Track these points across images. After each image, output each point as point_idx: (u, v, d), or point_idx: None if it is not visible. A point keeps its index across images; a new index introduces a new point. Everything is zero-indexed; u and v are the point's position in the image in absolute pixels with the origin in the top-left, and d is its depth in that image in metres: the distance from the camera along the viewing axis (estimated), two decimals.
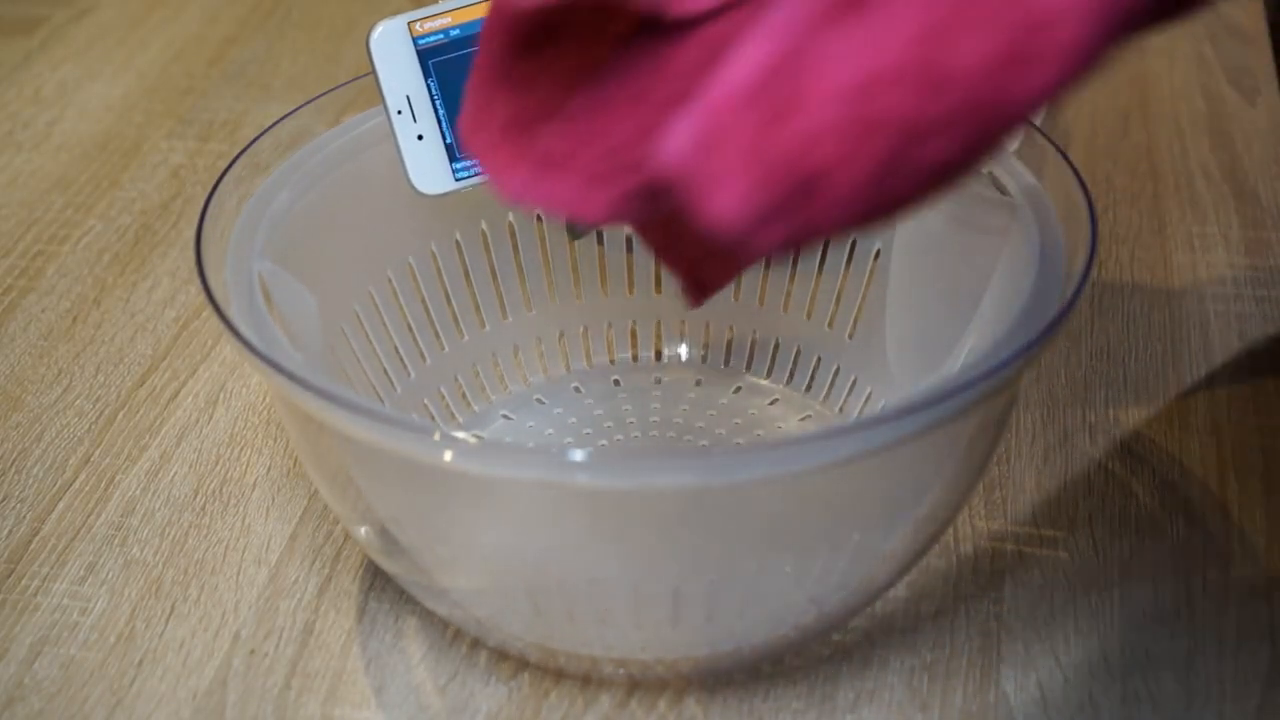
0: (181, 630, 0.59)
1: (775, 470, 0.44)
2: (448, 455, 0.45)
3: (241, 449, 0.68)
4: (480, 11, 0.61)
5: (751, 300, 0.70)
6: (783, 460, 0.44)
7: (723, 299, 0.70)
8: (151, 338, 0.75)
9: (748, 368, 0.71)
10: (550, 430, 0.68)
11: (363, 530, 0.55)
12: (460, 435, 0.45)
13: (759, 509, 0.48)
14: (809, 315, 0.69)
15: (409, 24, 0.60)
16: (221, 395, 0.71)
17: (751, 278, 0.70)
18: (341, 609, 0.60)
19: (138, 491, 0.66)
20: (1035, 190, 0.57)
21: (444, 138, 0.61)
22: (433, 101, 0.61)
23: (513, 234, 0.69)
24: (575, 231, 0.69)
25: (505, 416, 0.69)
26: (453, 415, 0.68)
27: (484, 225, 0.68)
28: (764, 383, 0.70)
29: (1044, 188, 0.57)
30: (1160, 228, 0.82)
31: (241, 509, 0.65)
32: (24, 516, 0.65)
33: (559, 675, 0.57)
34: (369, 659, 0.58)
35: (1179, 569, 0.61)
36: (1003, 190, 0.57)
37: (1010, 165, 0.58)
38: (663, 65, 0.41)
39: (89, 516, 0.65)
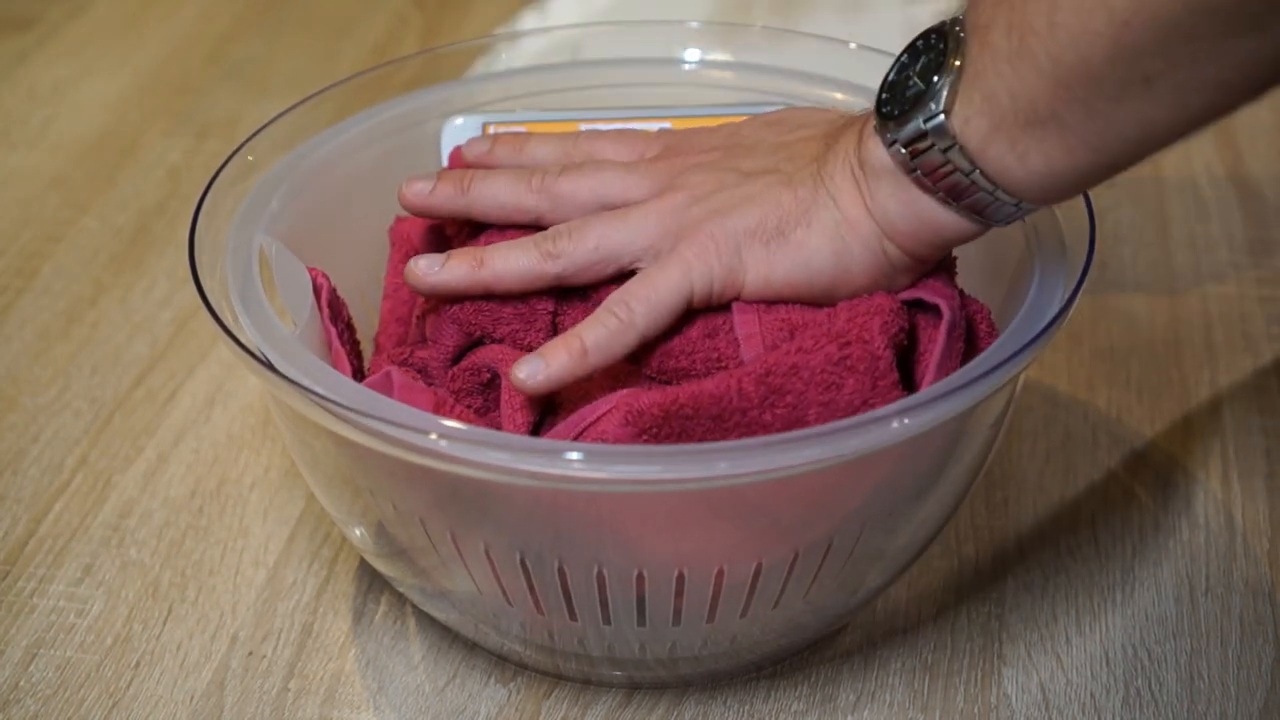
0: (179, 632, 0.59)
1: (776, 468, 0.44)
2: (443, 447, 0.44)
3: (239, 450, 0.68)
4: (558, 129, 0.60)
5: None
6: (783, 458, 0.44)
7: None
8: (149, 338, 0.75)
9: None
10: None
11: (358, 532, 0.54)
12: (452, 424, 0.45)
13: (760, 506, 0.48)
14: None
15: (485, 125, 0.60)
16: (219, 395, 0.71)
17: None
18: (340, 611, 0.60)
19: (135, 492, 0.66)
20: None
21: None
22: None
23: None
24: None
25: None
26: None
27: None
28: None
29: None
30: (1163, 227, 0.82)
31: (239, 510, 0.65)
32: (20, 518, 0.64)
33: (558, 678, 0.56)
34: (367, 661, 0.58)
35: (1181, 569, 0.61)
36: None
37: None
38: None
39: (86, 518, 0.64)
